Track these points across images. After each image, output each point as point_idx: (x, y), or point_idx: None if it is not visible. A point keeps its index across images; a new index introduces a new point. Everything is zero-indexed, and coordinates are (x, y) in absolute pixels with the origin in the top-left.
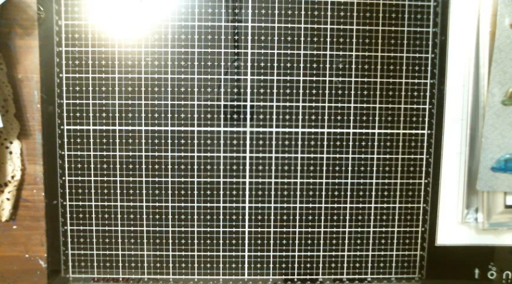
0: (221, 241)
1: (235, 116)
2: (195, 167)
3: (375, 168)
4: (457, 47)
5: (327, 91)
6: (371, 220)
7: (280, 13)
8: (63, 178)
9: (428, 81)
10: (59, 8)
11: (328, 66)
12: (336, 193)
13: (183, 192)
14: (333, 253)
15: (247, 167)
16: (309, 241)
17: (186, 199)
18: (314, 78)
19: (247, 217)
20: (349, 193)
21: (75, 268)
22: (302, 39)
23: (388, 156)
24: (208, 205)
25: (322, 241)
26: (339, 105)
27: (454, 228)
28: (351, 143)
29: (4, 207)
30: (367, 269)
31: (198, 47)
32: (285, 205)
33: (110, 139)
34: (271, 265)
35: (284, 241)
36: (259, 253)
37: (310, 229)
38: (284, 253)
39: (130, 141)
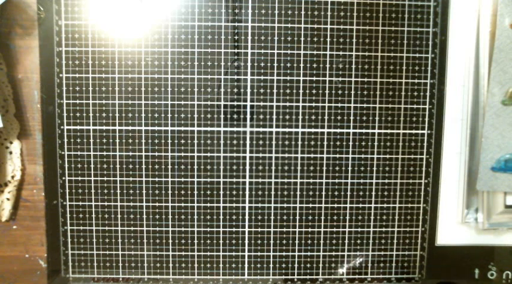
0: (221, 241)
1: (235, 116)
2: (195, 167)
3: (375, 168)
4: (457, 47)
5: (327, 91)
6: (371, 220)
7: (280, 13)
8: (63, 178)
9: (428, 81)
10: (59, 8)
11: (328, 66)
12: (336, 193)
13: (183, 192)
14: (333, 253)
15: (247, 167)
16: (309, 241)
17: (186, 199)
18: (314, 78)
19: (247, 217)
20: (349, 193)
21: (75, 268)
22: (302, 39)
23: (388, 156)
24: (208, 205)
25: (322, 241)
26: (339, 105)
27: (454, 228)
28: (351, 143)
29: (4, 207)
30: (367, 269)
31: (198, 47)
32: (285, 205)
33: (110, 139)
34: (271, 265)
35: (284, 241)
36: (259, 253)
37: (310, 229)
38: (284, 253)
39: (131, 141)
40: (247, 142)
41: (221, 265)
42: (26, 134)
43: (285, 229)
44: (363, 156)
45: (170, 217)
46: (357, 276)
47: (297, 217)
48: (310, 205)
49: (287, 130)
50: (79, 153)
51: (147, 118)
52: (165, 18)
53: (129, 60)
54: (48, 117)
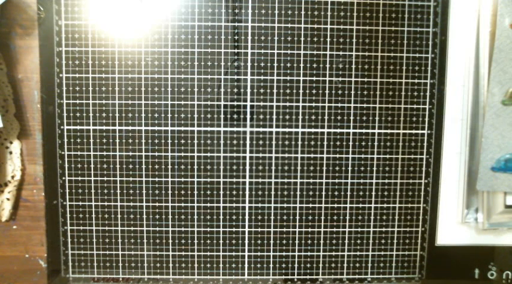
0: (221, 241)
1: (235, 116)
2: (195, 167)
3: (375, 168)
4: (457, 47)
5: (327, 91)
6: (371, 220)
7: (280, 13)
8: (63, 178)
9: (428, 81)
10: (59, 8)
11: (328, 66)
12: (336, 193)
13: (183, 192)
14: (333, 253)
15: (247, 167)
16: (309, 241)
17: (186, 199)
18: (314, 78)
19: (247, 217)
20: (349, 193)
21: (75, 268)
22: (302, 39)
23: (388, 156)
24: (208, 205)
25: (322, 241)
26: (339, 105)
27: (454, 228)
28: (351, 143)
29: (4, 207)
30: (367, 269)
31: (198, 47)
32: (285, 205)
33: (110, 139)
34: (271, 265)
35: (284, 241)
36: (259, 253)
37: (310, 229)
38: (284, 253)
39: (131, 141)
40: (247, 142)
41: (221, 265)
42: (26, 134)
43: (285, 229)
44: (363, 156)
45: (170, 217)
46: (357, 276)
47: (297, 217)
48: (310, 205)
49: (287, 130)
50: (79, 153)
51: (147, 118)
52: (165, 18)
53: (129, 60)
54: (48, 117)
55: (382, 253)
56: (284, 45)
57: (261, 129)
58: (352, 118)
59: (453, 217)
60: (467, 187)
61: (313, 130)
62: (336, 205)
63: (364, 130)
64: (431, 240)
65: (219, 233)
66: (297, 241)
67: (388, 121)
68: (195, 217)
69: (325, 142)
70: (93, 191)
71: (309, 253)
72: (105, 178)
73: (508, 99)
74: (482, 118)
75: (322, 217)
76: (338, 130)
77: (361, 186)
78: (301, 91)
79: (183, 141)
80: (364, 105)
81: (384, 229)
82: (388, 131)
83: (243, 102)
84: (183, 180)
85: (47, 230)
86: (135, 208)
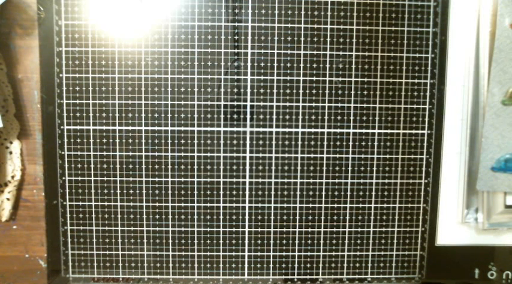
0: (221, 241)
1: (235, 116)
2: (195, 167)
3: (375, 168)
4: (457, 47)
5: (327, 91)
6: (371, 220)
7: (280, 13)
8: (63, 178)
9: (428, 81)
10: (59, 8)
11: (328, 66)
12: (336, 193)
13: (183, 192)
14: (333, 253)
15: (247, 167)
16: (309, 241)
17: (186, 199)
18: (314, 78)
19: (247, 217)
20: (349, 193)
21: (75, 268)
22: (302, 39)
23: (388, 156)
24: (208, 205)
25: (322, 241)
26: (339, 105)
27: (454, 228)
28: (351, 143)
29: (4, 207)
30: (367, 269)
31: (198, 47)
32: (285, 205)
33: (110, 139)
34: (271, 265)
35: (284, 241)
36: (259, 253)
37: (310, 229)
38: (284, 253)
39: (131, 141)
40: (247, 142)
41: (221, 265)
42: (26, 134)
43: (285, 229)
44: (363, 156)
45: (170, 217)
46: (357, 276)
47: (297, 217)
48: (310, 205)
49: (287, 130)
50: (79, 153)
51: (147, 118)
52: (165, 18)
53: (129, 60)
54: (48, 117)
55: (382, 253)
56: (284, 45)
57: (261, 129)
58: (352, 118)
59: (453, 217)
60: (467, 187)
61: (313, 130)
62: (336, 205)
63: (364, 130)
64: (431, 240)
65: (219, 233)
66: (297, 241)
67: (388, 121)
68: (195, 217)
69: (325, 142)
70: (93, 191)
71: (309, 253)
72: (105, 178)
73: (508, 99)
74: (482, 118)
75: (322, 217)
76: (338, 130)
77: (361, 186)
78: (301, 91)
79: (183, 141)
80: (364, 105)
81: (384, 229)
82: (388, 131)
83: (243, 102)
84: (183, 180)
85: (47, 230)
86: (135, 208)
